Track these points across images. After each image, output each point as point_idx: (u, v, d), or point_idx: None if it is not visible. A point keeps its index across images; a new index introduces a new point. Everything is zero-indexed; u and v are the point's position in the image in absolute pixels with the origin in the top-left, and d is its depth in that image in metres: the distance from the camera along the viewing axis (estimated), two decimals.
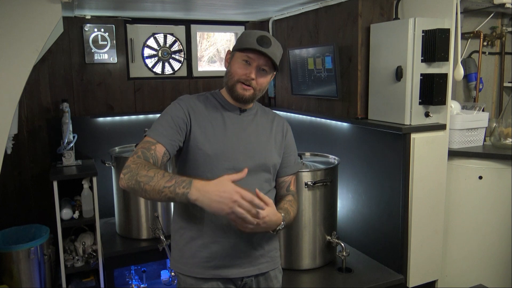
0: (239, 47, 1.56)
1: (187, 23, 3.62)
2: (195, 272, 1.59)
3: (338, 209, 2.66)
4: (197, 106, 1.60)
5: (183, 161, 1.59)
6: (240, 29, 3.82)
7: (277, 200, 1.72)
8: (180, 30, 3.60)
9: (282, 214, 1.55)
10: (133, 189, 1.39)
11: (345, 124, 2.79)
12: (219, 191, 1.28)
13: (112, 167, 2.99)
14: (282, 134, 1.74)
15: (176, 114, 1.56)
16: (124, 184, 1.40)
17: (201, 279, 1.59)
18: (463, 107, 2.89)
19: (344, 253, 2.45)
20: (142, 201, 2.93)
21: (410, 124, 2.34)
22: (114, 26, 3.35)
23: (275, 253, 1.75)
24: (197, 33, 3.69)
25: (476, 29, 3.16)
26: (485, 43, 3.23)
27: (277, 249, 1.77)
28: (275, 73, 1.66)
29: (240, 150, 1.58)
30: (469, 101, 3.22)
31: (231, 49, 1.65)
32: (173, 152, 1.54)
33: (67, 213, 2.96)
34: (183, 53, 3.62)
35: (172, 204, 3.05)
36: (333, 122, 2.90)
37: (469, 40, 3.19)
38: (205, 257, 1.58)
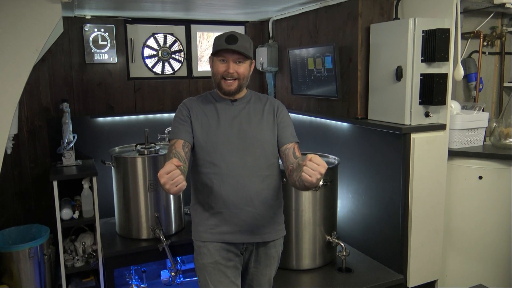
0: (213, 51, 1.88)
1: (187, 23, 3.62)
2: (203, 237, 1.92)
3: (338, 209, 2.66)
4: (195, 105, 1.96)
5: (194, 149, 1.93)
6: (240, 29, 3.82)
7: (290, 168, 1.88)
8: (180, 30, 3.60)
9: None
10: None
11: (345, 124, 2.79)
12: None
13: (112, 167, 2.99)
14: (273, 113, 1.98)
15: (181, 114, 1.94)
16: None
17: (207, 242, 1.91)
18: (463, 107, 2.89)
19: (344, 253, 2.45)
20: (142, 201, 2.93)
21: (410, 124, 2.34)
22: (114, 26, 3.35)
23: (278, 226, 1.99)
24: (197, 33, 3.69)
25: (476, 29, 3.16)
26: (485, 43, 3.23)
27: (281, 223, 2.02)
28: (253, 61, 1.93)
29: (233, 133, 1.90)
30: (469, 101, 3.21)
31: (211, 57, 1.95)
32: (190, 139, 1.89)
33: (67, 213, 2.96)
34: (183, 53, 3.62)
35: (172, 204, 3.06)
36: (333, 122, 2.90)
37: (469, 40, 3.18)
38: (211, 224, 1.90)
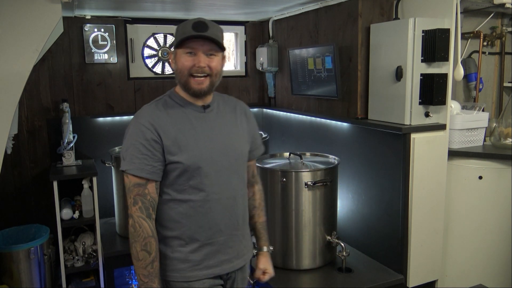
0: (178, 42, 1.49)
1: None
2: (187, 276, 1.58)
3: (338, 209, 2.66)
4: (160, 118, 1.53)
5: (167, 176, 1.54)
6: (240, 29, 3.82)
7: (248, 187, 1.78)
8: None
9: (266, 246, 1.86)
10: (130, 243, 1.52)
11: (345, 124, 2.79)
12: None
13: (112, 167, 2.99)
14: (247, 120, 1.71)
15: (144, 138, 1.48)
16: (130, 232, 1.50)
17: (193, 281, 1.59)
18: (463, 107, 2.89)
19: (344, 253, 2.45)
20: None
21: (410, 124, 2.34)
22: (114, 26, 3.35)
23: (250, 241, 1.78)
24: None
25: (476, 29, 3.16)
26: (485, 43, 3.23)
27: (250, 236, 1.82)
28: (225, 54, 1.59)
29: (215, 150, 1.56)
30: (469, 101, 3.21)
31: (171, 50, 1.61)
32: (161, 176, 1.52)
33: (67, 213, 2.96)
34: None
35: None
36: (333, 122, 2.90)
37: (469, 40, 3.18)
38: (196, 260, 1.57)
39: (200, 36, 1.45)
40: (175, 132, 1.51)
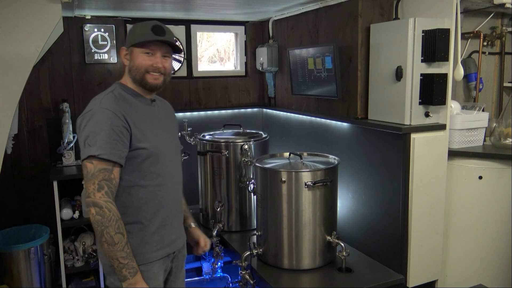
0: (137, 42, 1.63)
1: (187, 23, 3.62)
2: (149, 257, 1.69)
3: (338, 209, 2.65)
4: (124, 107, 1.63)
5: (130, 163, 1.62)
6: (240, 29, 3.82)
7: None
8: (180, 30, 3.60)
9: (193, 222, 2.00)
10: (95, 230, 1.54)
11: (345, 124, 2.79)
12: None
13: None
14: (174, 118, 1.94)
15: (115, 124, 1.56)
16: (92, 221, 1.53)
17: (152, 262, 1.70)
18: (463, 107, 2.89)
19: (344, 253, 2.45)
20: None
21: (410, 124, 2.34)
22: (114, 26, 3.35)
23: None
24: (197, 33, 3.69)
25: (476, 29, 3.16)
26: (485, 43, 3.23)
27: None
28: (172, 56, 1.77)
29: (166, 139, 1.75)
30: (469, 101, 3.21)
31: (124, 47, 1.71)
32: (124, 162, 1.60)
33: (67, 213, 2.96)
34: (183, 53, 3.62)
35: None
36: (333, 122, 2.90)
37: (469, 40, 3.18)
38: (155, 241, 1.70)
39: (160, 40, 1.62)
40: (138, 120, 1.64)
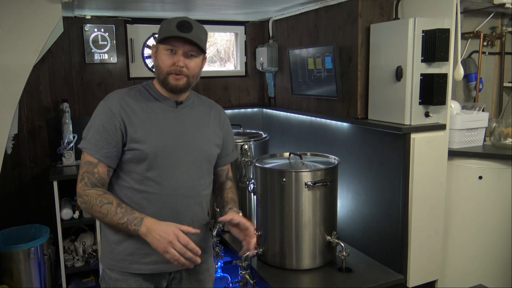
0: (161, 38, 1.52)
1: None
2: (128, 267, 1.57)
3: (338, 209, 2.65)
4: (129, 104, 1.56)
5: (123, 160, 1.55)
6: (240, 29, 3.82)
7: (217, 187, 1.82)
8: None
9: (233, 208, 1.69)
10: (93, 216, 1.52)
11: (345, 124, 2.79)
12: (160, 231, 1.40)
13: None
14: (220, 123, 1.74)
15: (108, 122, 1.51)
16: (83, 209, 1.55)
17: (136, 274, 1.58)
18: (463, 107, 2.89)
19: (344, 253, 2.45)
20: None
21: (410, 124, 2.34)
22: (114, 26, 3.35)
23: (208, 243, 1.76)
24: None
25: (476, 29, 3.16)
26: (485, 43, 3.23)
27: (210, 240, 1.80)
28: (206, 56, 1.64)
29: (179, 145, 1.58)
30: (469, 101, 3.21)
31: (154, 44, 1.60)
32: (115, 163, 1.55)
33: (67, 213, 2.96)
34: None
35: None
36: (333, 122, 2.90)
37: (469, 40, 3.18)
38: (144, 254, 1.56)
39: (182, 37, 1.48)
40: (140, 121, 1.54)
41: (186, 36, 1.48)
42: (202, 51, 1.56)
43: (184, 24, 1.49)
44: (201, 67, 1.61)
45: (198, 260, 1.42)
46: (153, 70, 1.61)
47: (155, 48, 1.58)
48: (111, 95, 1.59)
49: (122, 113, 1.53)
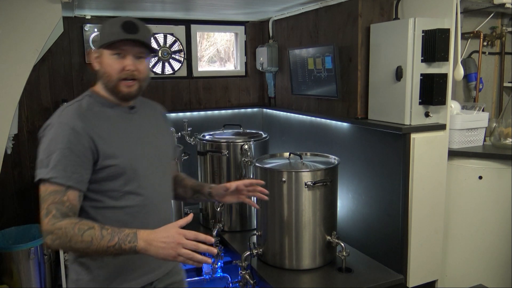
0: (106, 43, 1.39)
1: (187, 23, 3.62)
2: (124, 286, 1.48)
3: (338, 209, 2.66)
4: (89, 118, 1.40)
5: (95, 179, 1.40)
6: (240, 29, 3.82)
7: (174, 182, 1.74)
8: (180, 30, 3.60)
9: (211, 184, 1.74)
10: (72, 251, 1.35)
11: (345, 124, 2.79)
12: (161, 237, 1.26)
13: None
14: (165, 122, 1.70)
15: (74, 143, 1.34)
16: (55, 248, 1.32)
17: None
18: (463, 107, 2.89)
19: (344, 253, 2.45)
20: None
21: (410, 124, 2.34)
22: None
23: None
24: (197, 33, 3.70)
25: (476, 29, 3.16)
26: (485, 43, 3.23)
27: None
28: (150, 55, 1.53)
29: (146, 152, 1.50)
30: (469, 101, 3.22)
31: (93, 48, 1.49)
32: (86, 187, 1.38)
33: None
34: (183, 53, 3.63)
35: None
36: (333, 122, 2.90)
37: (469, 40, 3.18)
38: (132, 277, 1.49)
39: (131, 39, 1.38)
40: (108, 133, 1.41)
41: (134, 38, 1.39)
42: (151, 51, 1.48)
43: (129, 25, 1.39)
44: (149, 66, 1.53)
45: (215, 250, 1.36)
46: (99, 77, 1.48)
47: (96, 53, 1.45)
48: (64, 113, 1.41)
49: (87, 129, 1.37)
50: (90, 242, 1.26)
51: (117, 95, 1.46)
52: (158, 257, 1.26)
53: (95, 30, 3.29)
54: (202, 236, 1.27)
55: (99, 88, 1.50)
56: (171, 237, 1.25)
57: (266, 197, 1.73)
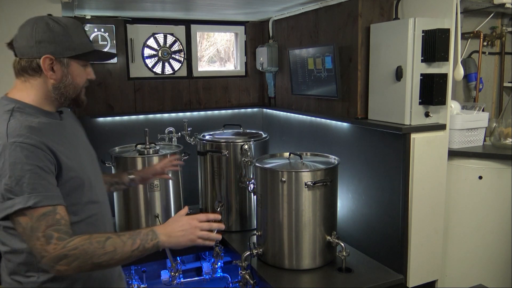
0: (78, 54, 1.34)
1: (187, 23, 3.62)
2: None
3: (338, 209, 2.66)
4: (42, 133, 1.28)
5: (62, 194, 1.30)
6: (240, 29, 3.82)
7: None
8: (180, 30, 3.60)
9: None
10: (88, 271, 1.29)
11: (345, 124, 2.79)
12: (178, 227, 1.36)
13: (112, 167, 2.99)
14: (80, 124, 1.67)
15: (40, 160, 1.22)
16: (70, 273, 1.23)
17: None
18: (463, 107, 2.90)
19: (344, 253, 2.45)
20: (142, 201, 2.94)
21: (410, 124, 2.34)
22: (114, 26, 3.35)
23: None
24: (197, 33, 3.70)
25: (476, 29, 3.16)
26: (485, 43, 3.23)
27: None
28: None
29: (88, 157, 1.49)
30: (469, 101, 3.22)
31: (52, 56, 1.33)
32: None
33: None
34: (183, 53, 3.62)
35: (172, 204, 3.07)
36: (333, 122, 2.90)
37: (469, 40, 3.19)
38: (98, 281, 1.45)
39: (100, 51, 1.44)
40: (61, 145, 1.31)
41: (99, 49, 1.44)
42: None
43: (86, 32, 1.40)
44: None
45: (222, 225, 1.44)
46: (54, 87, 1.37)
47: (61, 63, 1.34)
48: (13, 130, 1.24)
49: (46, 143, 1.26)
50: (113, 252, 1.24)
51: (77, 103, 1.44)
52: (179, 246, 1.35)
53: (95, 30, 3.29)
54: (211, 215, 1.42)
55: (24, 97, 1.36)
56: (186, 224, 1.36)
57: (170, 177, 2.03)
